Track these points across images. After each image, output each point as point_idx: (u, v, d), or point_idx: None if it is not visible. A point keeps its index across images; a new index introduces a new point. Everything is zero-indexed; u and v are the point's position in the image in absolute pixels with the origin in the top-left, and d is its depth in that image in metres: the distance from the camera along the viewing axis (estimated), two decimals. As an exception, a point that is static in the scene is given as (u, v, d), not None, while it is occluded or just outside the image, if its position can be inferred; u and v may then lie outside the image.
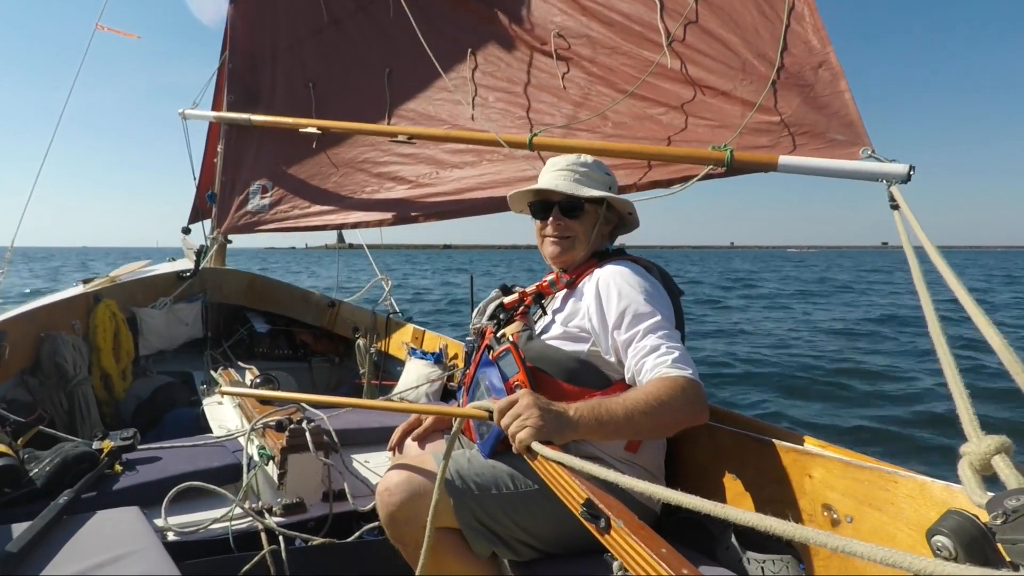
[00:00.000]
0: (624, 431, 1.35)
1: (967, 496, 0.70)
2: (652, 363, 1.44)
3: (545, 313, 1.75)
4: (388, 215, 3.61)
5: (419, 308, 13.56)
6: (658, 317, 1.51)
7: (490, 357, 1.64)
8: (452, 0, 3.21)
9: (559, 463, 1.12)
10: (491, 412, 1.32)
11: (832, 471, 1.40)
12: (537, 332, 1.71)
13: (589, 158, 1.82)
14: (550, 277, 1.77)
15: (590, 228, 1.75)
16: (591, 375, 1.58)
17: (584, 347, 1.60)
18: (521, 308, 1.81)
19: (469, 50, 3.12)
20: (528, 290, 1.82)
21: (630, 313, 1.52)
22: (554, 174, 1.77)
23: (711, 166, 2.21)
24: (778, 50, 2.13)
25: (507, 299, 1.85)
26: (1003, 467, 0.71)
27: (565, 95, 2.79)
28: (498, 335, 1.74)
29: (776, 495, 1.51)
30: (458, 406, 1.65)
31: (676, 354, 1.43)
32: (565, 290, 1.73)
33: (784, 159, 2.04)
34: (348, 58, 3.84)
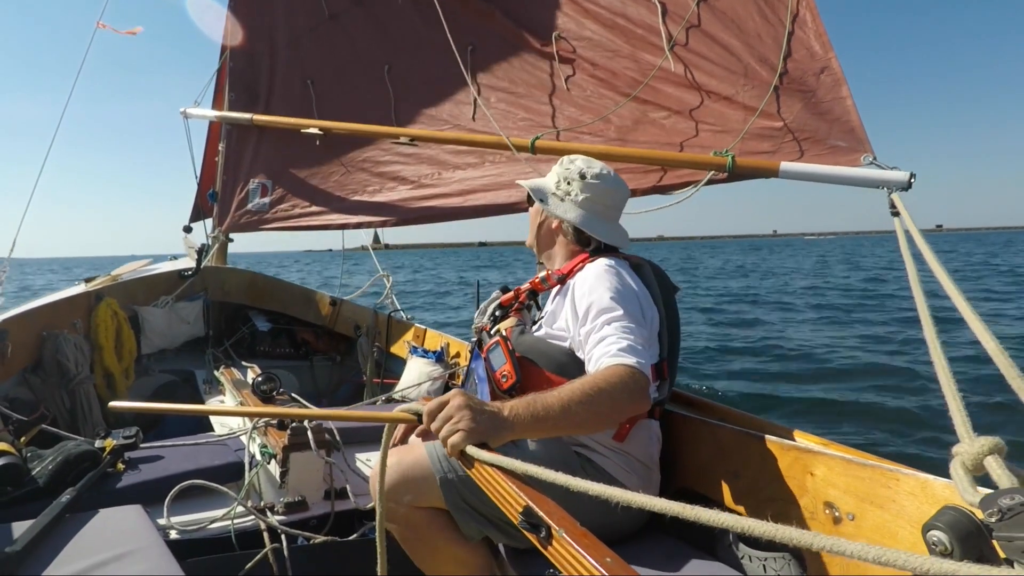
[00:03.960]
0: (562, 425, 1.30)
1: (959, 495, 0.70)
2: (599, 353, 1.43)
3: (539, 309, 1.79)
4: (391, 216, 3.60)
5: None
6: (619, 311, 1.50)
7: (480, 351, 1.68)
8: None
9: (497, 467, 1.05)
10: (420, 415, 1.23)
11: (834, 469, 1.40)
12: (531, 328, 1.75)
13: (577, 159, 1.83)
14: (542, 274, 1.81)
15: (534, 217, 1.87)
16: (579, 368, 1.59)
17: (565, 345, 1.63)
18: (516, 305, 1.85)
19: (469, 48, 3.11)
20: (522, 287, 1.86)
21: (594, 309, 1.52)
22: None
23: (713, 171, 2.22)
24: (780, 55, 2.13)
25: (504, 297, 1.89)
26: (995, 467, 0.71)
27: (567, 97, 2.78)
28: (492, 331, 1.77)
29: (778, 493, 1.51)
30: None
31: (623, 344, 1.42)
32: (558, 286, 1.75)
33: (785, 165, 2.05)
34: (346, 54, 3.82)
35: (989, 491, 0.68)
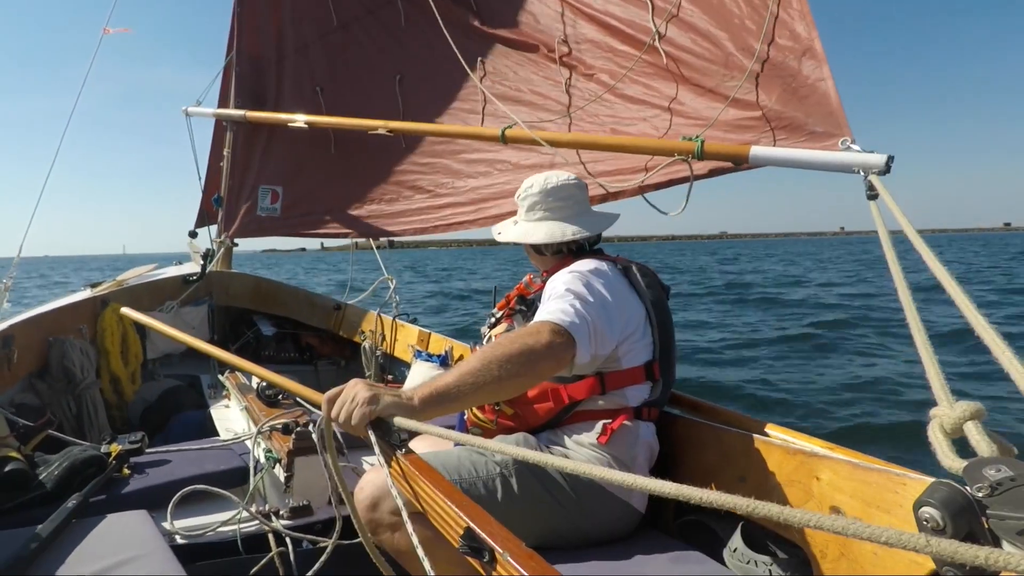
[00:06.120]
0: (466, 394, 1.23)
1: (939, 460, 0.68)
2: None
3: (530, 312, 1.82)
4: (407, 226, 3.61)
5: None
6: (566, 295, 1.52)
7: None
8: (457, 9, 3.20)
9: (427, 432, 1.00)
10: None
11: (840, 473, 1.39)
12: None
13: (535, 188, 1.86)
14: (526, 279, 1.88)
15: (527, 256, 1.95)
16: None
17: None
18: (507, 311, 1.89)
19: (479, 59, 3.13)
20: (511, 294, 1.91)
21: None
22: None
23: (684, 157, 2.15)
24: (760, 39, 2.07)
25: (498, 304, 1.94)
26: (974, 432, 0.69)
27: (569, 100, 2.79)
28: (485, 338, 1.84)
29: (783, 497, 1.50)
30: None
31: (552, 307, 1.44)
32: (543, 289, 1.78)
33: (756, 150, 1.97)
34: (357, 63, 3.83)
35: (970, 458, 0.66)
